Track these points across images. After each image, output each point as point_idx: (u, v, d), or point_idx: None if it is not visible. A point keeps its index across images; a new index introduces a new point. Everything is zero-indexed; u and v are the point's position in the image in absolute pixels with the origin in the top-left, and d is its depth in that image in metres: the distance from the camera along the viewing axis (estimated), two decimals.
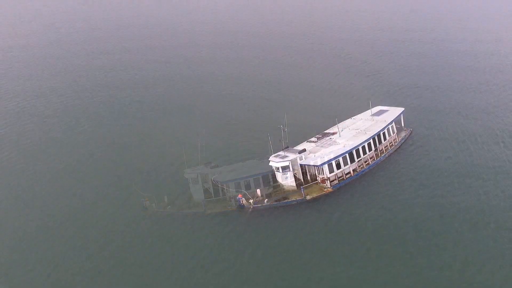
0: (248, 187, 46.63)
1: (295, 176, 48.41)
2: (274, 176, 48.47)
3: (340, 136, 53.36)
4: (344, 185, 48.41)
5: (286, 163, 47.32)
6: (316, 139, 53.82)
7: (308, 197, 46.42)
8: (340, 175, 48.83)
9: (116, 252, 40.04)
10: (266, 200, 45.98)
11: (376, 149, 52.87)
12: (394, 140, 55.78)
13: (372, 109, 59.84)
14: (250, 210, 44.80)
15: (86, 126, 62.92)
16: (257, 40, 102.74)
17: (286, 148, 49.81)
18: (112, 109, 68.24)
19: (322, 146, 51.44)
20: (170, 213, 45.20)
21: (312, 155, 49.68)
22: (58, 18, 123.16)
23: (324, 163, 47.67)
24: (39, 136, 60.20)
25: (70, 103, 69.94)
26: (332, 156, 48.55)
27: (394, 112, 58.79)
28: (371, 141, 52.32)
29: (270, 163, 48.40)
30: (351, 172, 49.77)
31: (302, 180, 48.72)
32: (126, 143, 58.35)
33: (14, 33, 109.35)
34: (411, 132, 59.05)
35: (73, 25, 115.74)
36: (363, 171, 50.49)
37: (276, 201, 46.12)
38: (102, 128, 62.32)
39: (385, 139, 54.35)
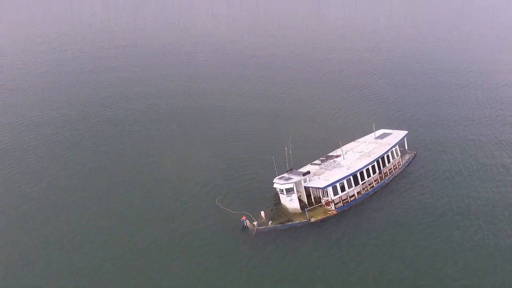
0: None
1: (299, 199, 48.36)
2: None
3: (344, 158, 53.43)
4: (348, 208, 48.32)
5: (291, 185, 47.30)
6: (320, 161, 53.91)
7: (312, 220, 46.27)
8: (345, 197, 48.76)
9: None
10: (270, 222, 45.81)
11: (380, 172, 52.89)
12: (398, 163, 55.84)
13: (375, 132, 60.05)
14: (254, 232, 44.61)
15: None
16: (259, 63, 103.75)
17: (290, 170, 49.85)
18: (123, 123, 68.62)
19: (326, 169, 51.47)
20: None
21: (316, 177, 49.69)
22: (66, 40, 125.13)
23: (328, 186, 47.68)
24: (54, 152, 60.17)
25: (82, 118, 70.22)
26: (336, 178, 48.58)
27: (398, 135, 59.01)
28: (375, 163, 52.38)
29: (274, 185, 48.42)
30: (356, 194, 49.72)
31: (307, 203, 48.68)
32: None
33: (23, 54, 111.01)
34: (415, 155, 59.12)
35: (80, 47, 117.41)
36: (367, 194, 50.43)
37: (280, 223, 45.93)
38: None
39: (389, 161, 54.42)
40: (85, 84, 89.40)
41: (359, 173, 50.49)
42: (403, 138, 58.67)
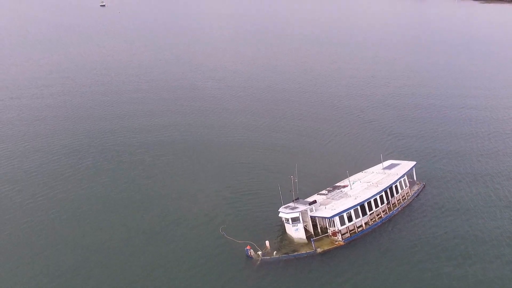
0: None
1: (305, 228, 47.16)
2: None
3: (351, 188, 52.45)
4: (356, 239, 46.96)
5: (296, 215, 46.24)
6: (327, 191, 52.95)
7: (318, 250, 44.94)
8: (352, 228, 47.51)
9: None
10: (275, 252, 44.52)
11: (388, 202, 51.72)
12: (406, 193, 54.69)
13: (383, 162, 59.22)
14: (258, 262, 43.32)
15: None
16: (264, 95, 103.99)
17: (296, 199, 48.91)
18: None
19: (333, 199, 50.45)
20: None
21: (323, 207, 48.62)
22: (75, 70, 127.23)
23: (335, 215, 46.56)
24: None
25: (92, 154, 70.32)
26: (343, 208, 47.47)
27: (406, 165, 58.08)
28: (383, 194, 51.30)
29: (280, 214, 47.39)
30: (363, 225, 48.45)
31: (313, 233, 47.43)
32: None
33: (34, 83, 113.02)
34: (424, 186, 57.98)
35: (90, 77, 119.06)
36: (375, 225, 49.11)
37: (285, 253, 44.62)
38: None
39: (397, 192, 53.32)
40: (92, 113, 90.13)
41: (367, 203, 49.39)
42: (411, 168, 57.69)
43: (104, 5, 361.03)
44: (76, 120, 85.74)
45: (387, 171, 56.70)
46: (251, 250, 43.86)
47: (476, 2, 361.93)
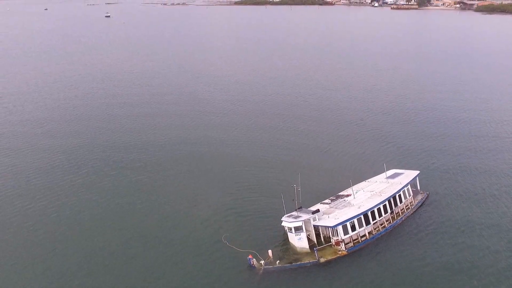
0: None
1: (308, 238, 46.81)
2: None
3: (354, 197, 52.14)
4: (359, 248, 46.55)
5: (299, 224, 45.94)
6: (330, 200, 52.67)
7: (321, 260, 44.60)
8: (355, 237, 47.13)
9: None
10: (278, 261, 44.17)
11: (392, 212, 51.34)
12: (410, 203, 54.32)
13: (386, 172, 58.90)
14: (260, 271, 42.97)
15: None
16: (266, 103, 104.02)
17: (299, 208, 48.59)
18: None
19: (336, 208, 50.14)
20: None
21: (326, 216, 48.31)
22: (79, 78, 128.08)
23: (338, 224, 46.23)
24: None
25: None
26: (346, 217, 47.14)
27: (410, 175, 57.76)
28: (387, 203, 50.94)
29: (283, 223, 47.10)
30: (367, 234, 48.06)
31: (316, 242, 47.06)
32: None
33: (39, 91, 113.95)
34: (428, 195, 57.58)
35: (91, 85, 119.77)
36: (379, 234, 48.71)
37: (288, 263, 44.26)
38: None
39: (401, 201, 52.95)
40: (94, 119, 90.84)
41: (370, 212, 49.04)
42: (415, 178, 57.35)
43: (109, 16, 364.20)
44: (78, 126, 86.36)
45: (390, 180, 56.36)
46: (254, 259, 43.57)
47: (478, 13, 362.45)
